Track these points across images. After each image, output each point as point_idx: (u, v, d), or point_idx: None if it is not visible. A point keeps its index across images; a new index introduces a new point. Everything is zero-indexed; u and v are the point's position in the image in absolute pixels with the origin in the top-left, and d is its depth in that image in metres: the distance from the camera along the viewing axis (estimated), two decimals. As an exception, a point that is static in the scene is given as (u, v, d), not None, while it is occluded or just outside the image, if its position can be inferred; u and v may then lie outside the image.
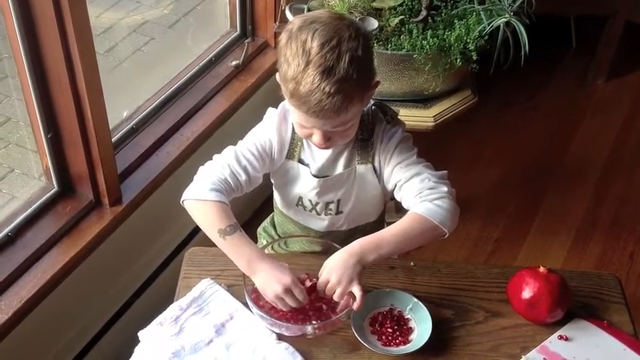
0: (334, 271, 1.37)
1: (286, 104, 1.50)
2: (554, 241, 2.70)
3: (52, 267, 1.79)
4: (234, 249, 1.41)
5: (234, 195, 1.49)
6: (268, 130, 1.52)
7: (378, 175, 1.53)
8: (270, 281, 1.37)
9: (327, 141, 1.41)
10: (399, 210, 1.55)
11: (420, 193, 1.45)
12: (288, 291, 1.37)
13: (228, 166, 1.48)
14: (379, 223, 1.70)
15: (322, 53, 1.29)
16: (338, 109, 1.32)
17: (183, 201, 1.48)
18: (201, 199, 1.44)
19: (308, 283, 1.44)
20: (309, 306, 1.43)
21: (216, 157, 1.52)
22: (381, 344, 1.41)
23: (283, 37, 1.35)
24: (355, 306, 1.37)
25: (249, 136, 1.54)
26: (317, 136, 1.40)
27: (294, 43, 1.32)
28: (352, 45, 1.30)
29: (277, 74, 1.40)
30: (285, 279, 1.37)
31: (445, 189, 1.45)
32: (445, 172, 1.50)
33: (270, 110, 1.55)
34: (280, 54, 1.36)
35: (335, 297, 1.38)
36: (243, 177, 1.48)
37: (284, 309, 1.39)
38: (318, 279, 1.40)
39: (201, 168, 1.51)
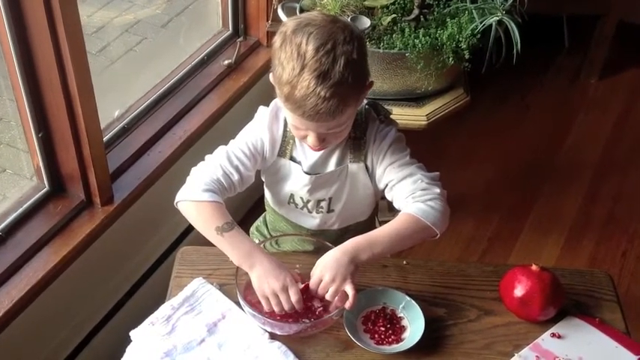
0: (327, 269, 1.37)
1: (279, 102, 1.50)
2: (547, 239, 2.71)
3: (44, 267, 1.78)
4: (232, 245, 1.41)
5: (227, 195, 1.49)
6: (260, 129, 1.51)
7: (370, 174, 1.53)
8: (267, 276, 1.37)
9: (322, 142, 1.41)
10: (392, 209, 1.55)
11: (412, 194, 1.45)
12: (284, 289, 1.37)
13: (220, 167, 1.48)
14: (370, 223, 1.70)
15: (317, 57, 1.28)
16: (333, 113, 1.32)
17: (176, 203, 1.48)
18: (196, 199, 1.44)
19: (300, 285, 1.43)
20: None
21: (208, 157, 1.52)
22: (373, 343, 1.41)
23: (277, 40, 1.35)
24: (347, 305, 1.37)
25: (240, 135, 1.54)
26: (312, 138, 1.40)
27: (288, 46, 1.31)
28: (347, 48, 1.30)
29: (271, 75, 1.39)
30: (284, 276, 1.37)
31: (437, 190, 1.45)
32: (437, 173, 1.50)
33: (262, 109, 1.55)
34: (274, 57, 1.35)
35: (327, 296, 1.38)
36: (235, 177, 1.48)
37: (275, 309, 1.39)
38: (310, 278, 1.40)
39: (193, 169, 1.51)
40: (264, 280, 1.37)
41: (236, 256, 1.41)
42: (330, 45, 1.29)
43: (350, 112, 1.38)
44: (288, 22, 1.36)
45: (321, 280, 1.37)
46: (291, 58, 1.30)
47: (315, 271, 1.39)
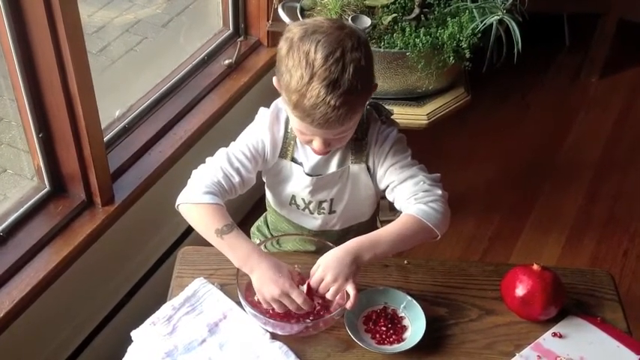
0: (330, 269, 1.36)
1: (280, 104, 1.50)
2: (548, 238, 2.70)
3: (45, 267, 1.78)
4: (232, 247, 1.41)
5: (228, 197, 1.48)
6: (260, 131, 1.51)
7: (372, 174, 1.53)
8: (267, 282, 1.36)
9: (327, 147, 1.41)
10: (393, 209, 1.55)
11: (414, 195, 1.45)
12: (284, 295, 1.36)
13: (221, 169, 1.47)
14: (372, 223, 1.70)
15: (327, 66, 1.28)
16: (343, 120, 1.32)
17: (177, 205, 1.48)
18: (196, 202, 1.44)
19: (303, 287, 1.42)
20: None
21: (208, 160, 1.51)
22: (374, 343, 1.41)
23: (283, 47, 1.34)
24: (349, 305, 1.36)
25: (241, 137, 1.54)
26: (317, 143, 1.40)
27: (296, 53, 1.30)
28: (355, 55, 1.30)
29: (275, 80, 1.39)
30: (283, 281, 1.36)
31: (439, 192, 1.46)
32: (438, 175, 1.50)
33: (262, 110, 1.54)
34: (281, 63, 1.34)
35: (329, 295, 1.38)
36: (236, 179, 1.48)
37: (279, 311, 1.38)
38: (309, 277, 1.39)
39: (194, 172, 1.50)
40: (264, 286, 1.37)
41: (235, 259, 1.41)
42: (339, 53, 1.29)
43: (357, 117, 1.39)
44: (293, 29, 1.34)
45: (322, 279, 1.37)
46: (299, 66, 1.29)
47: (317, 270, 1.38)
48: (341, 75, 1.28)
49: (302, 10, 2.23)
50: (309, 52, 1.29)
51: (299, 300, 1.36)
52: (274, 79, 1.39)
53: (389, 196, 1.52)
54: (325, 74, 1.28)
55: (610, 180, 2.95)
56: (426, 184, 1.46)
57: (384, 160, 1.50)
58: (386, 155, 1.49)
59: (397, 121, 1.58)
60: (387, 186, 1.51)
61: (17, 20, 1.61)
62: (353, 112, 1.33)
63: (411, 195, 1.45)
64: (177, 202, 1.48)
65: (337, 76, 1.28)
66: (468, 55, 2.11)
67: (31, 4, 1.58)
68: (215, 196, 1.44)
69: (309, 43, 1.29)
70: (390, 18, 2.15)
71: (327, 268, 1.37)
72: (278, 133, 1.51)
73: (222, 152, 1.51)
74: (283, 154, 1.53)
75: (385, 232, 1.42)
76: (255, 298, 1.43)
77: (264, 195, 1.70)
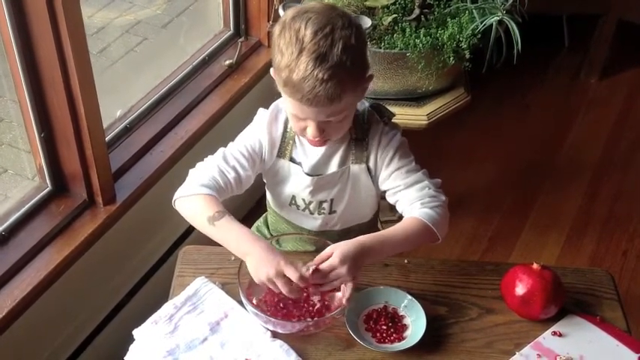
0: (347, 260, 1.34)
1: (280, 103, 1.51)
2: (547, 238, 2.71)
3: (46, 266, 1.79)
4: (224, 233, 1.40)
5: (224, 194, 1.48)
6: (258, 131, 1.52)
7: (373, 176, 1.54)
8: (262, 262, 1.35)
9: (322, 133, 1.41)
10: (392, 208, 1.56)
11: (421, 200, 1.46)
12: (279, 274, 1.33)
13: (217, 166, 1.48)
14: (373, 224, 1.71)
15: (315, 40, 1.29)
16: (331, 97, 1.32)
17: (174, 201, 1.49)
18: (190, 194, 1.45)
19: (308, 270, 1.36)
20: (303, 302, 1.43)
21: (207, 158, 1.52)
22: (375, 341, 1.42)
23: (277, 29, 1.36)
24: (345, 300, 1.37)
25: (239, 137, 1.54)
26: (311, 128, 1.40)
27: (287, 32, 1.32)
28: (345, 33, 1.31)
29: (271, 69, 1.40)
30: (276, 261, 1.34)
31: (443, 198, 1.49)
32: (439, 180, 1.52)
33: (261, 111, 1.55)
34: (274, 45, 1.36)
35: (335, 284, 1.36)
36: (231, 174, 1.48)
37: (281, 290, 1.35)
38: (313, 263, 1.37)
39: (191, 170, 1.51)
40: (258, 268, 1.35)
41: (228, 244, 1.41)
42: (329, 29, 1.30)
43: (348, 99, 1.37)
44: (287, 12, 1.37)
45: (334, 267, 1.34)
46: (289, 43, 1.31)
47: (333, 256, 1.34)
48: (329, 49, 1.29)
49: (302, 9, 2.23)
50: (300, 29, 1.31)
51: (294, 277, 1.32)
52: (272, 70, 1.40)
53: (390, 199, 1.53)
54: (314, 48, 1.29)
55: (610, 180, 2.96)
56: (431, 190, 1.48)
57: (388, 162, 1.50)
58: (391, 158, 1.50)
59: (397, 121, 1.59)
60: (389, 189, 1.52)
61: (19, 20, 1.61)
62: (342, 89, 1.32)
63: (416, 199, 1.47)
64: (174, 197, 1.48)
65: (325, 50, 1.29)
66: (467, 56, 2.11)
67: (34, 4, 1.58)
68: (209, 188, 1.44)
69: (300, 22, 1.31)
70: (390, 18, 2.15)
71: (344, 258, 1.34)
72: (276, 132, 1.52)
73: (219, 152, 1.52)
74: (281, 154, 1.53)
75: (392, 232, 1.43)
76: (254, 300, 1.43)
77: (264, 195, 1.70)
